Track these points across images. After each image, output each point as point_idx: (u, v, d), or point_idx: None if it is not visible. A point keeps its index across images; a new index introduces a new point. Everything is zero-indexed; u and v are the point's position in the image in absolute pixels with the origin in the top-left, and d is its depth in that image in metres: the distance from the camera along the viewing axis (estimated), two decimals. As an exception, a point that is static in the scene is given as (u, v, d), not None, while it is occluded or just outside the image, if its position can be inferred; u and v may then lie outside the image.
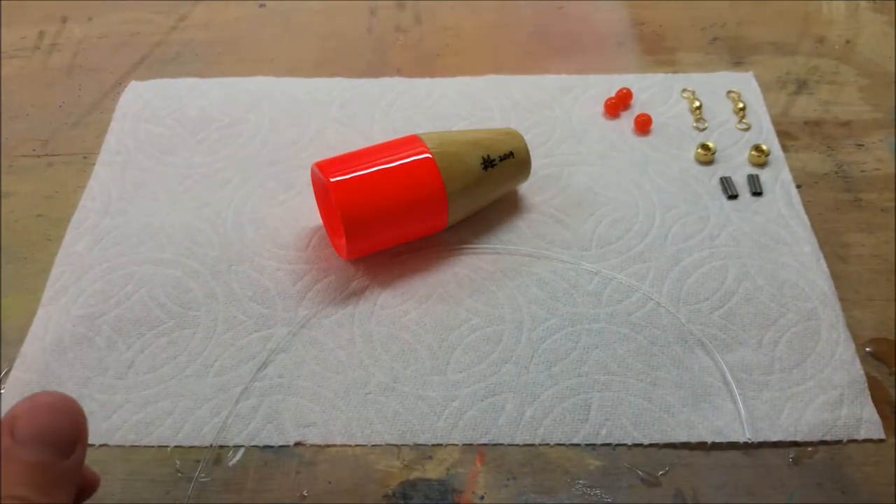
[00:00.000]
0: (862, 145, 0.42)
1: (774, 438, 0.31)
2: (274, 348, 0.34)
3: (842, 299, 0.35)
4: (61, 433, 0.23)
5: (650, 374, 0.33)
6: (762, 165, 0.41)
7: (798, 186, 0.40)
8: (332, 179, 0.33)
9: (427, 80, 0.46)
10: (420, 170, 0.34)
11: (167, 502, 0.29)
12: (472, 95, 0.45)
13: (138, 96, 0.45)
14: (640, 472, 0.30)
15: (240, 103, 0.45)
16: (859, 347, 0.33)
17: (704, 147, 0.41)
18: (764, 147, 0.41)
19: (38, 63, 0.48)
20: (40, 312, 0.35)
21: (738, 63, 0.48)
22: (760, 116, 0.44)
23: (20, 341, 0.34)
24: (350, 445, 0.31)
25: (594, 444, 0.31)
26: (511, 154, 0.37)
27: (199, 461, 0.30)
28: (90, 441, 0.31)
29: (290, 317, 0.35)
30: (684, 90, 0.45)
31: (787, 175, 0.40)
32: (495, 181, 0.37)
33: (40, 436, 0.23)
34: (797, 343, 0.34)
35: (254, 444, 0.31)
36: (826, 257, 0.37)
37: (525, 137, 0.38)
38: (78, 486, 0.24)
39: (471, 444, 0.31)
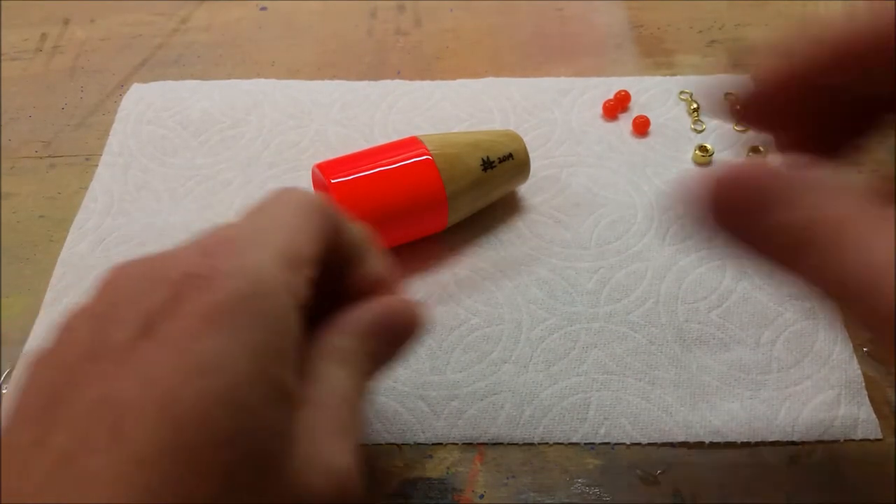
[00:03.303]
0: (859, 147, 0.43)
1: (772, 438, 0.31)
2: (275, 348, 0.34)
3: (839, 300, 0.35)
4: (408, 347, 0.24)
5: (648, 374, 0.33)
6: (760, 167, 0.41)
7: (795, 188, 0.40)
8: (332, 181, 0.34)
9: (427, 83, 0.47)
10: (420, 171, 0.35)
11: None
12: (471, 97, 0.46)
13: (140, 98, 0.46)
14: (638, 472, 0.30)
15: (241, 105, 0.45)
16: (857, 348, 0.34)
17: (702, 149, 0.41)
18: (761, 148, 0.41)
19: (40, 65, 0.49)
20: (42, 313, 0.35)
21: (735, 65, 0.48)
22: (758, 118, 0.44)
23: (21, 342, 0.34)
24: (350, 445, 0.31)
25: (593, 444, 0.31)
26: (510, 156, 0.37)
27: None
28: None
29: (290, 317, 0.35)
30: (682, 92, 0.46)
31: (784, 176, 0.41)
32: (495, 182, 0.37)
33: (404, 340, 0.24)
34: (795, 342, 0.34)
35: (255, 443, 0.31)
36: (823, 258, 0.37)
37: (524, 139, 0.38)
38: None
39: (470, 444, 0.31)
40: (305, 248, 0.20)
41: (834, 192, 0.17)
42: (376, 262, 0.25)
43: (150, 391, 0.16)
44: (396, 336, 0.24)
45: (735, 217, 0.19)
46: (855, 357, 0.33)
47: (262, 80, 0.47)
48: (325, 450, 0.19)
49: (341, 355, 0.22)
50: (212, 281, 0.18)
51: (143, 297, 0.18)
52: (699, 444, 0.31)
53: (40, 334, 0.34)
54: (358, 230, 0.25)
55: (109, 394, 0.16)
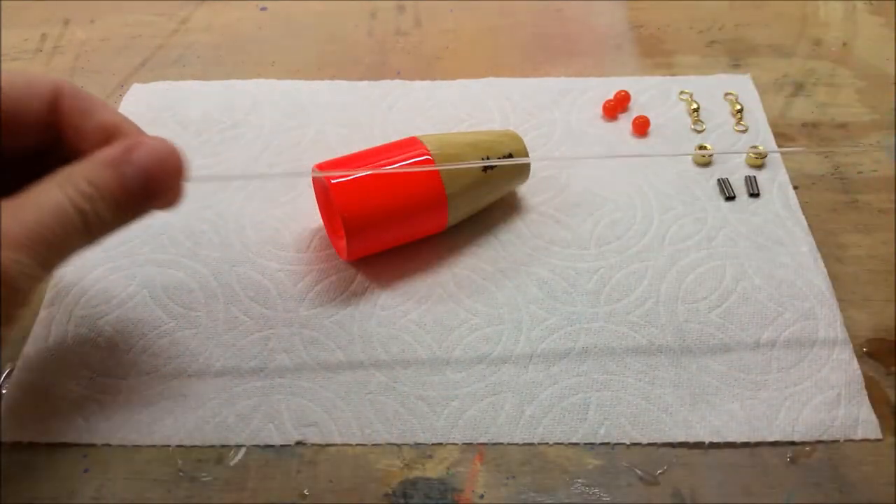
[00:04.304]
0: (859, 147, 0.43)
1: (772, 438, 0.31)
2: (274, 348, 0.34)
3: (839, 300, 0.35)
4: (159, 186, 0.26)
5: (648, 374, 0.33)
6: (759, 167, 0.41)
7: (795, 188, 0.40)
8: (332, 181, 0.34)
9: (427, 83, 0.47)
10: (420, 171, 0.35)
11: (169, 502, 0.29)
12: (471, 98, 0.46)
13: (140, 99, 0.46)
14: (638, 472, 0.30)
15: (241, 106, 0.45)
16: (857, 348, 0.34)
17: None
18: (761, 148, 0.41)
19: (40, 65, 0.49)
20: (42, 313, 0.35)
21: (735, 65, 0.48)
22: (758, 118, 0.44)
23: (21, 341, 0.34)
24: (350, 445, 0.31)
25: (593, 444, 0.31)
26: (510, 156, 0.37)
27: (200, 460, 0.31)
28: (92, 441, 0.31)
29: (290, 317, 0.35)
30: (682, 92, 0.46)
31: (784, 176, 0.41)
32: (495, 183, 0.37)
33: (148, 174, 0.26)
34: (795, 342, 0.34)
35: (255, 443, 0.31)
36: (823, 258, 0.37)
37: (524, 139, 0.38)
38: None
39: (470, 444, 0.31)
40: None
41: None
42: (111, 115, 0.28)
43: None
44: (137, 171, 0.25)
45: None
46: (855, 357, 0.33)
47: (262, 81, 0.47)
48: None
49: (60, 178, 0.25)
50: None
51: None
52: (699, 444, 0.31)
53: (40, 334, 0.34)
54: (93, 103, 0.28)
55: None
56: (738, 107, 0.44)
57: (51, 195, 0.24)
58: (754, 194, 0.40)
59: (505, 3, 0.53)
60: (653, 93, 0.46)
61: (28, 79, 0.27)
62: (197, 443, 0.31)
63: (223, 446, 0.31)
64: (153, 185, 0.26)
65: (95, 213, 0.25)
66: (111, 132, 0.27)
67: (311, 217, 0.39)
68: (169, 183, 0.26)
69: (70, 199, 0.24)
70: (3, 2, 0.53)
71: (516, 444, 0.31)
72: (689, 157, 0.42)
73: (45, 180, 0.25)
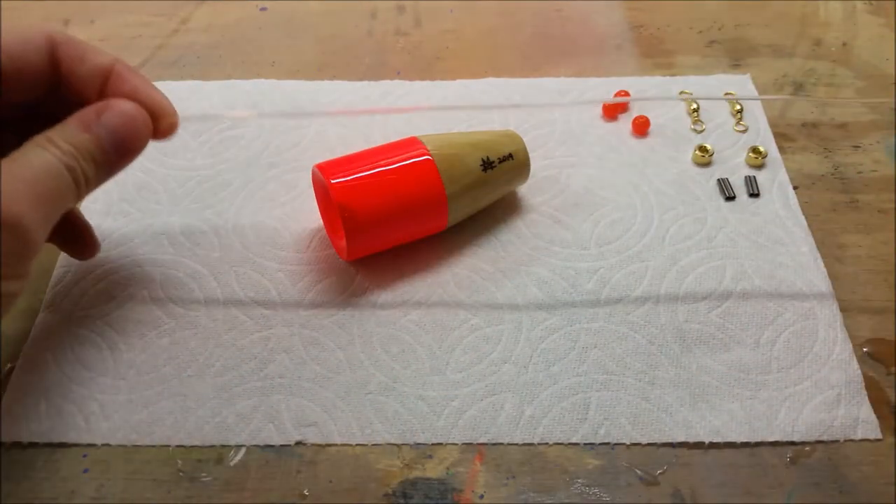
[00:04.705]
0: (859, 147, 0.43)
1: (772, 438, 0.31)
2: (274, 348, 0.34)
3: (839, 300, 0.35)
4: (131, 145, 0.28)
5: (648, 374, 0.33)
6: (759, 167, 0.41)
7: (795, 188, 0.40)
8: (332, 181, 0.34)
9: (427, 83, 0.47)
10: (420, 171, 0.35)
11: (169, 502, 0.29)
12: (471, 98, 0.46)
13: (140, 99, 0.46)
14: (638, 472, 0.30)
15: (241, 106, 0.45)
16: (857, 348, 0.34)
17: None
18: (761, 149, 0.41)
19: (40, 66, 0.49)
20: (42, 314, 0.35)
21: (735, 65, 0.48)
22: (758, 118, 0.44)
23: (21, 342, 0.34)
24: (350, 445, 0.31)
25: (593, 444, 0.31)
26: (510, 156, 0.37)
27: (200, 460, 0.31)
28: (92, 441, 0.31)
29: (290, 317, 0.35)
30: (682, 92, 0.46)
31: (784, 176, 0.41)
32: (495, 183, 0.37)
33: (117, 136, 0.27)
34: (794, 342, 0.34)
35: (255, 443, 0.31)
36: (823, 258, 0.37)
37: (524, 139, 0.38)
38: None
39: (470, 444, 0.31)
40: None
41: None
42: (101, 58, 0.29)
43: None
44: (109, 133, 0.27)
45: None
46: (855, 357, 0.33)
47: (262, 81, 0.47)
48: None
49: (42, 140, 0.26)
50: None
51: None
52: (699, 444, 0.31)
53: (40, 334, 0.34)
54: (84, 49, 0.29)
55: None
56: (738, 107, 0.44)
57: (40, 156, 0.26)
58: (754, 194, 0.40)
59: (505, 3, 0.53)
60: (653, 93, 0.46)
61: (22, 32, 0.28)
62: (197, 443, 0.31)
63: (223, 446, 0.31)
64: (123, 145, 0.28)
65: (82, 171, 0.27)
66: (105, 73, 0.29)
67: (311, 217, 0.39)
68: (138, 143, 0.28)
69: (58, 159, 0.26)
70: (3, 2, 0.53)
71: (516, 445, 0.31)
72: (689, 157, 0.42)
73: (25, 145, 0.26)
